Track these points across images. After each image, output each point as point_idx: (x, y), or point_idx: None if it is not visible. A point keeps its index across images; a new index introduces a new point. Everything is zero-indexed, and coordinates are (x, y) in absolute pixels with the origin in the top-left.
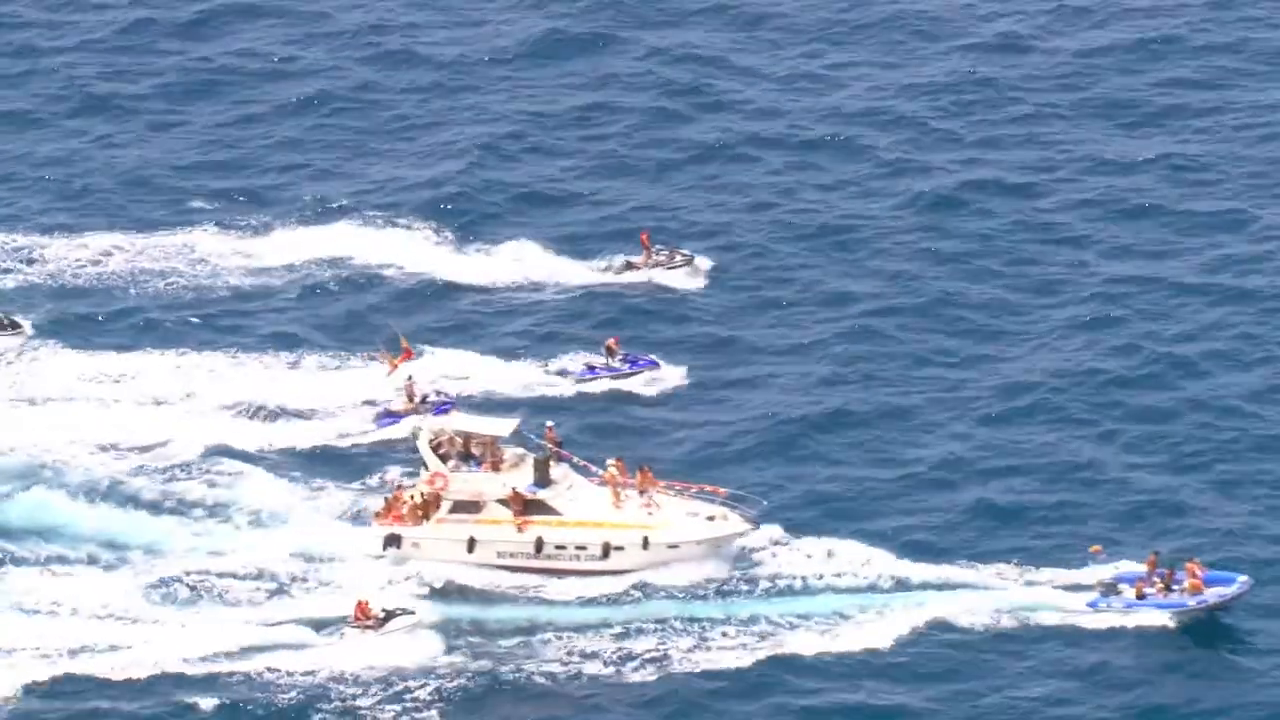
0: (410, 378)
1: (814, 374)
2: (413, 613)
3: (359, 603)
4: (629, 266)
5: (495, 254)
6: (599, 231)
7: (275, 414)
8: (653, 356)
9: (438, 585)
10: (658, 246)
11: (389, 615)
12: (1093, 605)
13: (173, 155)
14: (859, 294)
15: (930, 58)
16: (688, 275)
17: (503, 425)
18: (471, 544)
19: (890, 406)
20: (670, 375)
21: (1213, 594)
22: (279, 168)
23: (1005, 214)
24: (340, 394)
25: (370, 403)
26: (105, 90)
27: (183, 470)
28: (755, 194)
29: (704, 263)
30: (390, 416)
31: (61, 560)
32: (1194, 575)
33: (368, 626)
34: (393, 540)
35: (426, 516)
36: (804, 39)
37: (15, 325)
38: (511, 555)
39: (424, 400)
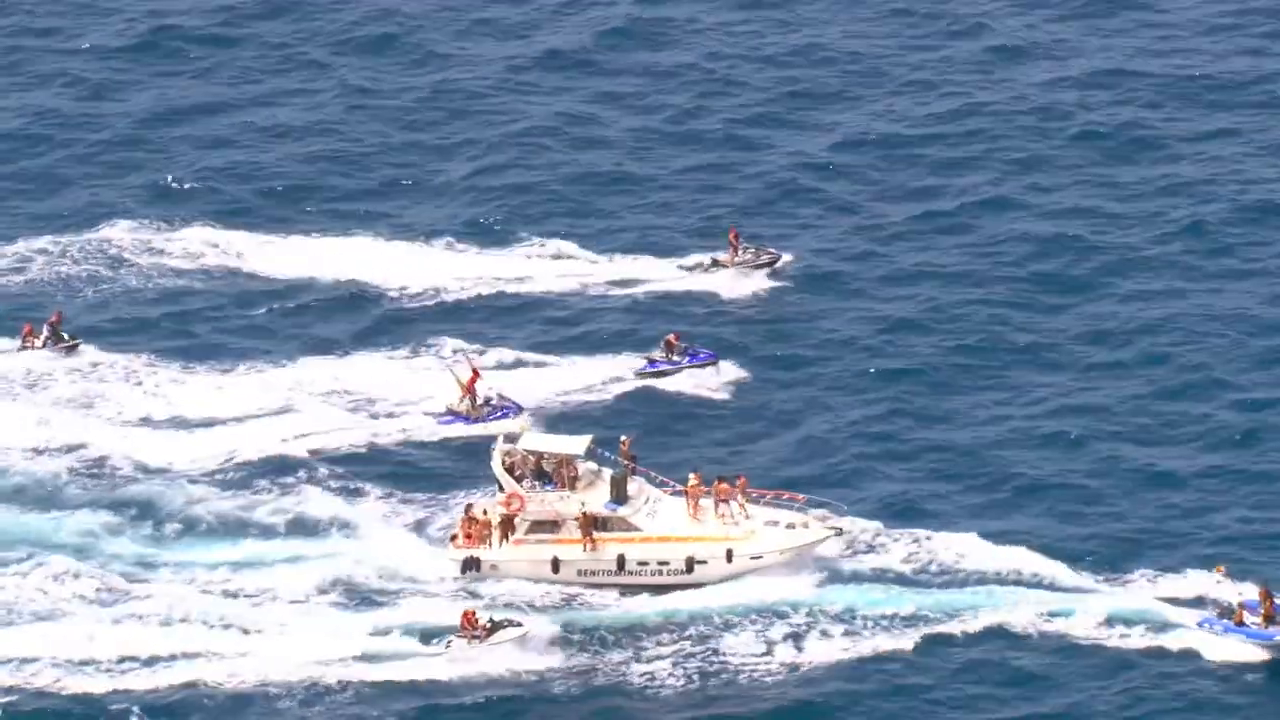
0: (455, 376)
1: (876, 374)
2: (520, 624)
3: (465, 612)
4: (716, 264)
5: (563, 251)
6: (683, 229)
7: (330, 415)
8: (712, 351)
9: (521, 605)
10: (745, 244)
11: (496, 626)
12: (1201, 624)
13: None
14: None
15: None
16: (770, 276)
17: (576, 443)
18: (555, 564)
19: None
20: (731, 371)
21: None
22: (310, 169)
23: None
24: (401, 394)
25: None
26: None
27: (248, 480)
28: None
29: (790, 261)
30: (452, 416)
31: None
32: (1266, 599)
33: (475, 637)
34: (471, 563)
35: (504, 537)
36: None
37: (74, 341)
38: (593, 574)
39: (486, 403)
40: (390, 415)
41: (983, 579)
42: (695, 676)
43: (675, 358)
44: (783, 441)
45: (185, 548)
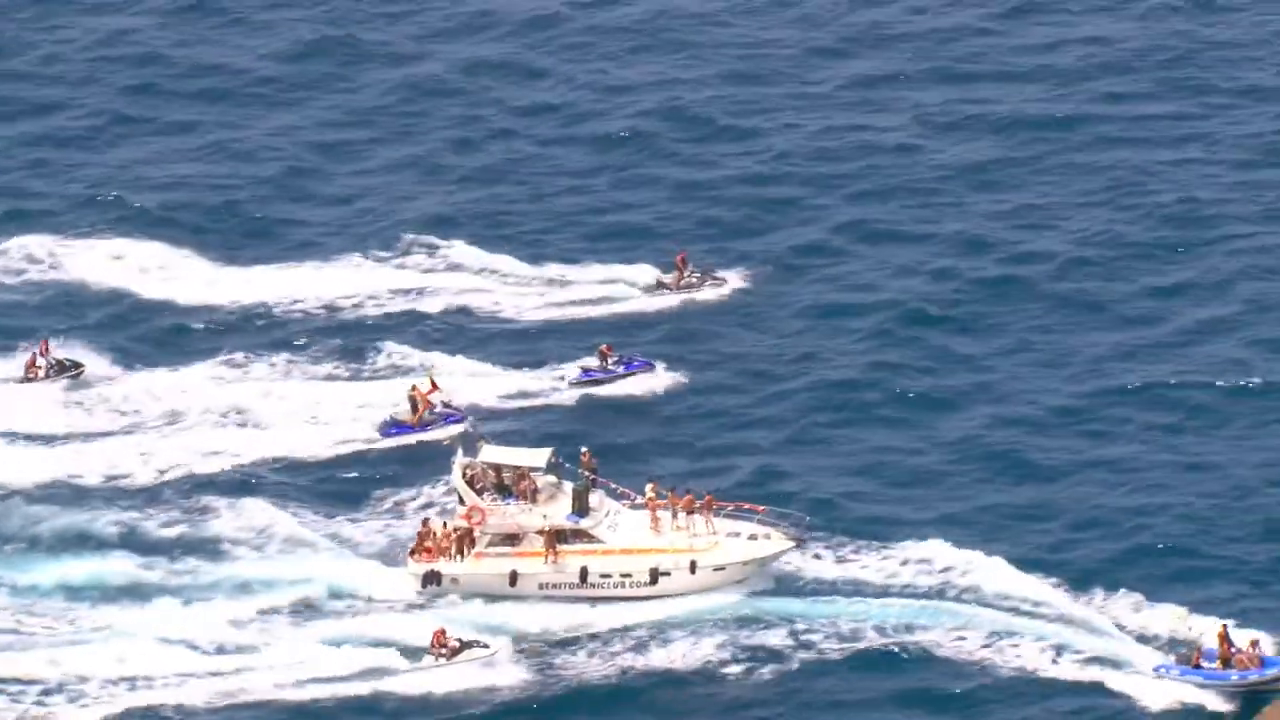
0: (415, 387)
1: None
2: (487, 645)
3: (436, 631)
4: (660, 286)
5: (495, 265)
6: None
7: (266, 428)
8: (646, 360)
9: (482, 619)
10: (692, 268)
11: (464, 645)
12: (1157, 670)
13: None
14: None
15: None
16: (714, 298)
17: (537, 455)
18: (514, 577)
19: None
20: (665, 378)
21: (1255, 673)
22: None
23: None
24: (342, 407)
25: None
26: None
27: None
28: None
29: (734, 284)
30: (397, 427)
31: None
32: (1223, 642)
33: (441, 655)
34: (432, 577)
35: (462, 551)
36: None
37: (76, 366)
38: (555, 586)
39: (431, 411)
40: (329, 424)
41: (941, 593)
42: (650, 688)
43: (610, 366)
44: (722, 448)
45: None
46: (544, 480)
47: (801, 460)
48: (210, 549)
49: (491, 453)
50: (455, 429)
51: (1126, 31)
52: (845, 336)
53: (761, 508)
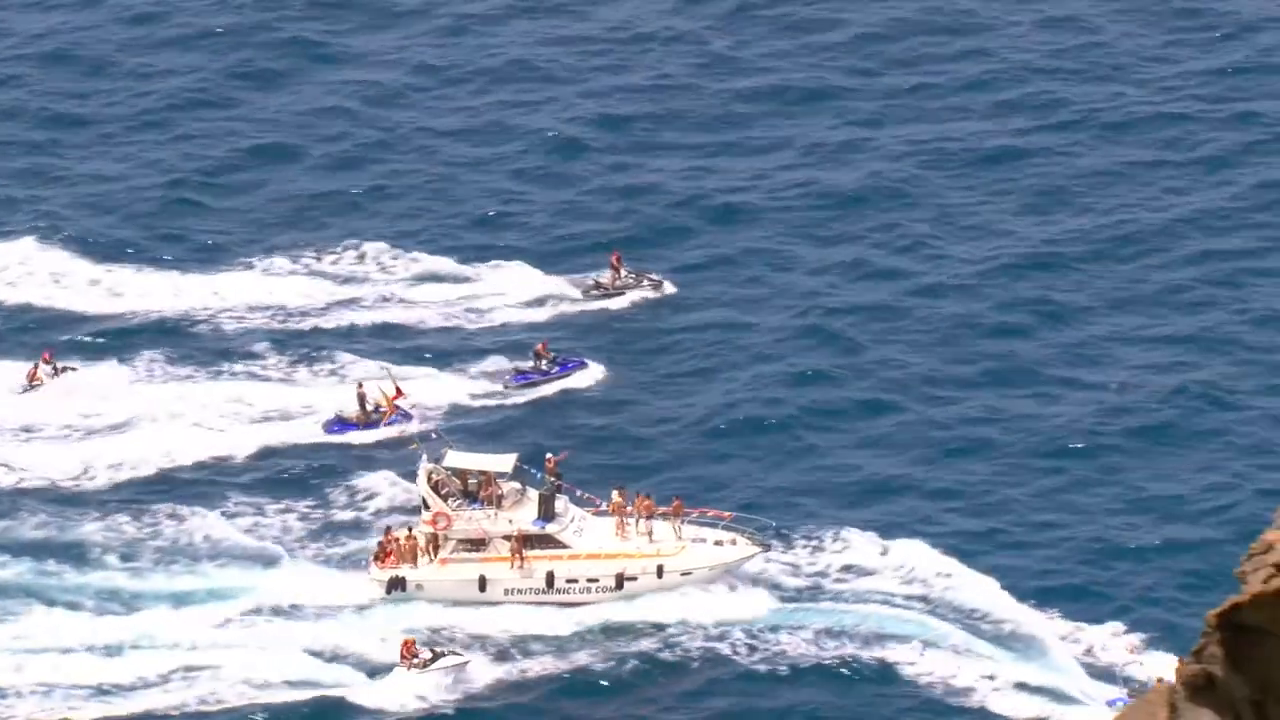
0: (361, 384)
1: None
2: (460, 653)
3: (405, 641)
4: (597, 286)
5: (435, 268)
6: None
7: (208, 430)
8: (581, 358)
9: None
10: (628, 269)
11: (436, 655)
12: (1111, 704)
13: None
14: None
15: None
16: (652, 298)
17: (502, 461)
18: (482, 583)
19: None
20: (601, 378)
21: None
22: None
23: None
24: (285, 407)
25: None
26: None
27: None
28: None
29: (671, 287)
30: (340, 425)
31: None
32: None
33: (414, 665)
34: (397, 583)
35: (417, 557)
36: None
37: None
38: (521, 592)
39: (376, 409)
40: (272, 424)
41: (886, 599)
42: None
43: (545, 366)
44: (657, 449)
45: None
46: (509, 486)
47: (736, 463)
48: (159, 555)
49: (456, 458)
50: (401, 428)
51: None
52: (775, 336)
53: (728, 514)
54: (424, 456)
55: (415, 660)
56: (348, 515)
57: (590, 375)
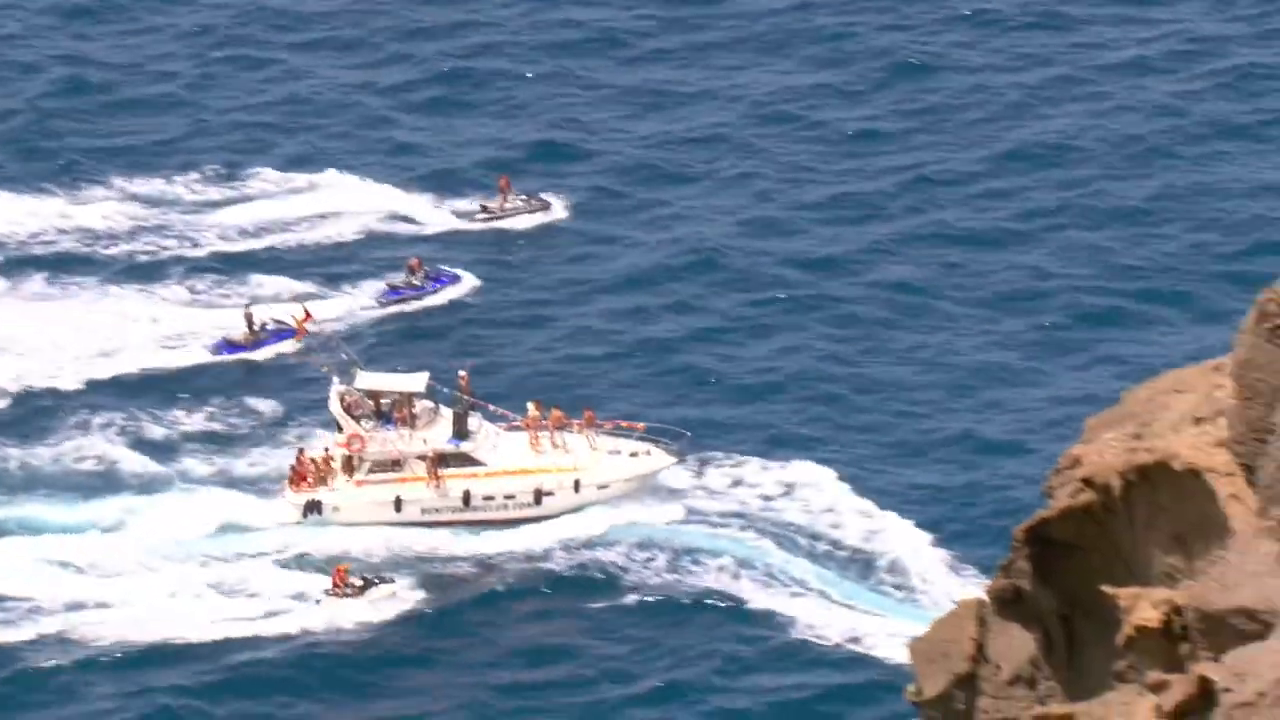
0: (249, 306)
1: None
2: (392, 580)
3: (337, 569)
4: (483, 210)
5: (328, 189)
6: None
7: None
8: (455, 271)
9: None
10: (516, 191)
11: (368, 583)
12: None
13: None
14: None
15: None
16: (540, 220)
17: (415, 380)
18: (398, 503)
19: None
20: (479, 294)
21: None
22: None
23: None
24: (171, 328)
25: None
26: None
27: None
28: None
29: (561, 210)
30: (229, 347)
31: None
32: None
33: (346, 594)
34: (313, 506)
35: (348, 479)
36: None
37: None
38: (438, 511)
39: (263, 328)
40: (158, 346)
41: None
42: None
43: (418, 282)
44: (539, 362)
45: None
46: (422, 405)
47: (617, 378)
48: (60, 481)
49: (368, 379)
50: (285, 346)
51: None
52: (662, 256)
53: (640, 425)
54: (335, 379)
55: (347, 588)
56: (250, 438)
57: (465, 290)
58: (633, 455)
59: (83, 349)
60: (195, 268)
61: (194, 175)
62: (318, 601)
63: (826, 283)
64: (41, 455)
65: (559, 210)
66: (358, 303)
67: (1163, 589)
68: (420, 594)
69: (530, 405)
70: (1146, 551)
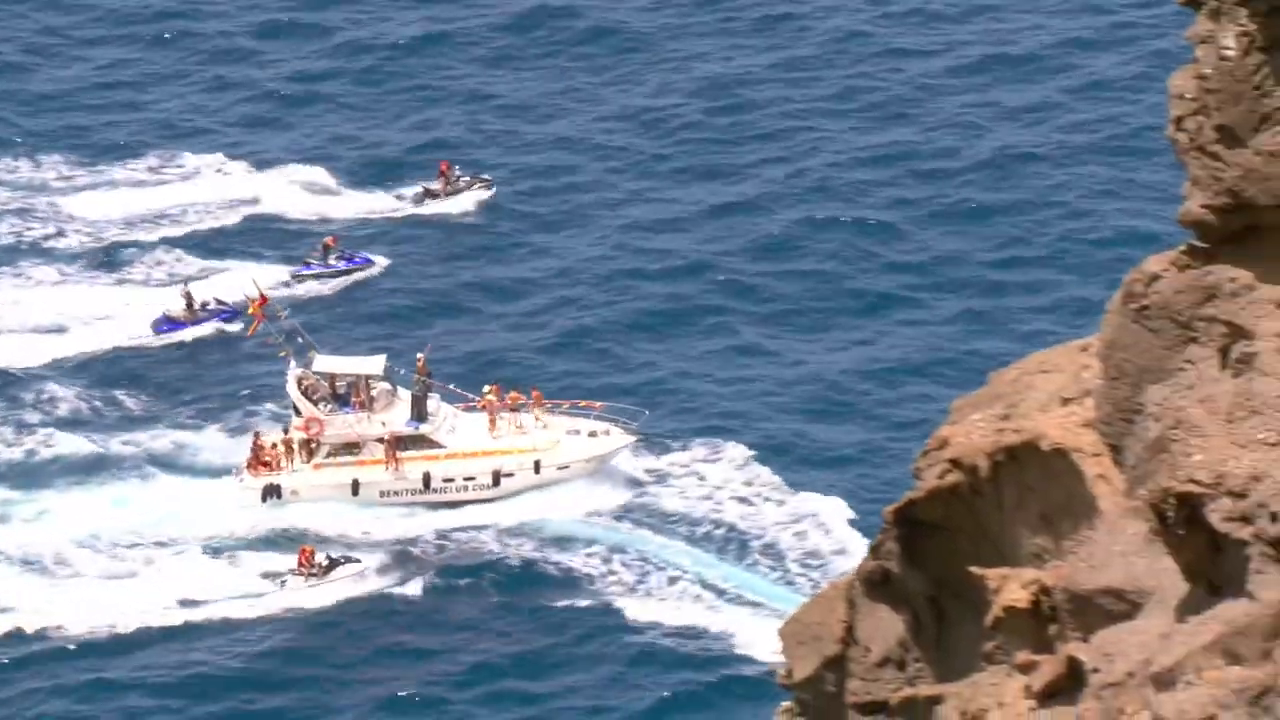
0: (187, 284)
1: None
2: (358, 560)
3: (302, 550)
4: (427, 194)
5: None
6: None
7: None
8: (367, 254)
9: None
10: (458, 172)
11: (334, 563)
12: None
13: None
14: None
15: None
16: (485, 201)
17: (373, 363)
18: (355, 486)
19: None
20: (395, 275)
21: None
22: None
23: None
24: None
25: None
26: None
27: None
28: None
29: (498, 191)
30: (169, 324)
31: None
32: None
33: (311, 574)
34: (272, 490)
35: (306, 462)
36: None
37: None
38: (397, 494)
39: (204, 307)
40: (97, 325)
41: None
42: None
43: (332, 261)
44: (481, 340)
45: None
46: (380, 387)
47: (549, 362)
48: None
49: (325, 362)
50: (231, 326)
51: None
52: (588, 240)
53: (598, 404)
54: (292, 361)
55: (314, 568)
56: (200, 420)
57: (380, 273)
58: (591, 435)
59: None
60: (130, 249)
61: (129, 160)
62: (283, 582)
63: (752, 267)
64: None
65: (499, 191)
66: (279, 280)
67: (1031, 570)
68: (378, 576)
69: (487, 387)
70: (1014, 532)
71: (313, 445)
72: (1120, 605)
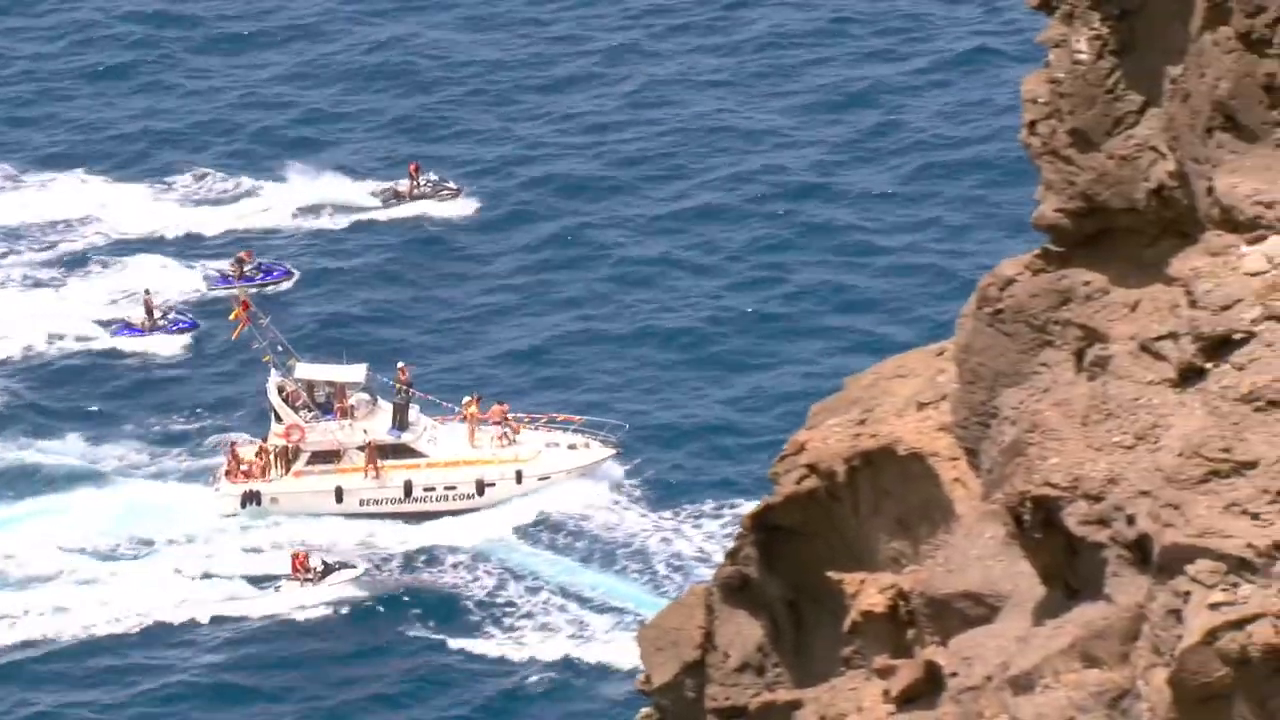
0: (148, 291)
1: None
2: (354, 566)
3: (295, 555)
4: (396, 195)
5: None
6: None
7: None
8: (286, 265)
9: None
10: (427, 177)
11: (329, 569)
12: None
13: None
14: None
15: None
16: (452, 207)
17: (354, 371)
18: (338, 494)
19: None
20: (297, 284)
21: None
22: None
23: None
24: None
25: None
26: None
27: None
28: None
29: (470, 200)
30: (128, 329)
31: None
32: None
33: (306, 580)
34: (251, 497)
35: (285, 469)
36: None
37: None
38: (378, 502)
39: (164, 315)
40: (54, 329)
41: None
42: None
43: (248, 272)
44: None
45: None
46: (360, 396)
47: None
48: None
49: (306, 370)
50: (185, 336)
51: None
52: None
53: (578, 418)
54: (273, 370)
55: (308, 574)
56: (171, 427)
57: (294, 287)
58: (571, 448)
59: None
60: (78, 258)
61: (93, 167)
62: (277, 588)
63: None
64: None
65: (466, 197)
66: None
67: (888, 574)
68: (356, 586)
69: (466, 399)
70: (872, 537)
71: (291, 453)
72: (978, 609)
